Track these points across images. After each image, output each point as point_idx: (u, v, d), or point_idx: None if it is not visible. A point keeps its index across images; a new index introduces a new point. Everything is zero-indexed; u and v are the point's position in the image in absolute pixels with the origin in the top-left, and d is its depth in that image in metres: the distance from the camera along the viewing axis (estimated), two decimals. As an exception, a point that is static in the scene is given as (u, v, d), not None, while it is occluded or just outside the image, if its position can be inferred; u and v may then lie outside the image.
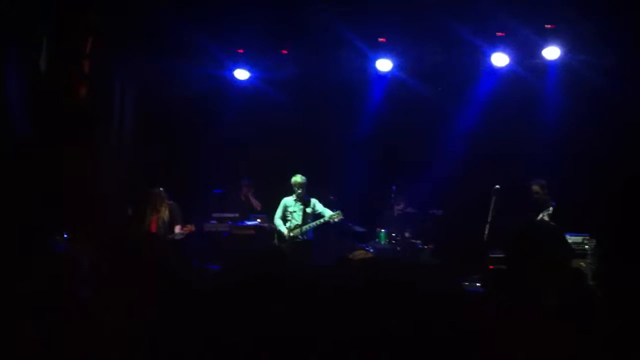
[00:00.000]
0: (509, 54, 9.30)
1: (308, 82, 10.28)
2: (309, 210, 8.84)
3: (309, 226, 8.77)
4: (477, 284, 7.10)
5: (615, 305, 3.42)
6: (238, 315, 3.46)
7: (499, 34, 9.21)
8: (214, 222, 9.65)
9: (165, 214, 8.96)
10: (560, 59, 9.07)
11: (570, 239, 6.96)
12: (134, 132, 10.16)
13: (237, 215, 9.71)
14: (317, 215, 8.82)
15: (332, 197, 9.09)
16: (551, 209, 7.42)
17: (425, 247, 8.77)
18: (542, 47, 9.09)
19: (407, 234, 8.98)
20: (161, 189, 9.06)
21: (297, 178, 8.84)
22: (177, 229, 8.77)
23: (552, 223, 6.85)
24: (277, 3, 8.97)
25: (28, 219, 7.90)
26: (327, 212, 8.74)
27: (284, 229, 8.85)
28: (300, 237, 8.77)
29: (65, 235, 8.44)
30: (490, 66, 9.46)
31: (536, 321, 3.33)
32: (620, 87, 8.50)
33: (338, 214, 8.65)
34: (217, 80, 10.48)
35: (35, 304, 3.57)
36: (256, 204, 10.17)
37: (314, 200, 8.90)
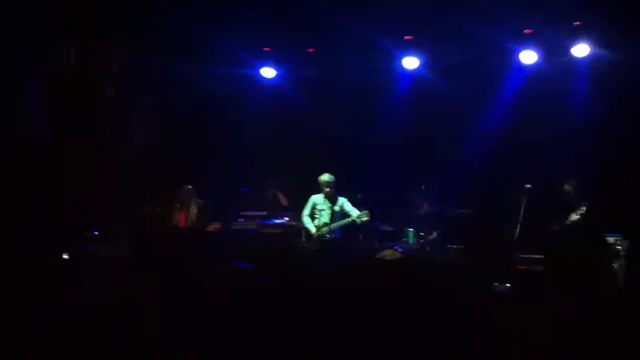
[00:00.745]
0: (538, 52, 9.23)
1: (332, 81, 10.30)
2: (337, 208, 8.85)
3: (337, 225, 8.78)
4: (507, 285, 7.05)
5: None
6: (259, 310, 3.51)
7: (527, 31, 9.16)
8: (242, 220, 9.72)
9: (193, 211, 9.09)
10: (590, 56, 8.98)
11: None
12: (158, 132, 10.26)
13: (265, 213, 9.76)
14: (345, 215, 8.82)
15: (359, 196, 9.08)
16: (584, 208, 7.32)
17: (454, 246, 8.72)
18: (570, 45, 9.01)
19: (434, 233, 8.94)
20: (190, 186, 9.18)
21: (325, 177, 8.87)
22: None
23: (585, 223, 6.79)
24: (300, 2, 9.00)
25: (41, 217, 8.03)
26: (355, 212, 8.73)
27: (312, 227, 8.87)
28: (327, 235, 8.79)
29: (95, 233, 8.58)
30: (519, 64, 9.40)
31: (565, 319, 3.32)
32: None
33: (365, 214, 8.62)
34: (242, 79, 10.54)
35: (39, 303, 3.63)
36: (283, 199, 10.20)
37: (342, 199, 8.90)
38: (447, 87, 9.79)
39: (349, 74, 10.09)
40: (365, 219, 8.63)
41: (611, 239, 7.00)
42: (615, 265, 6.81)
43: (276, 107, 10.61)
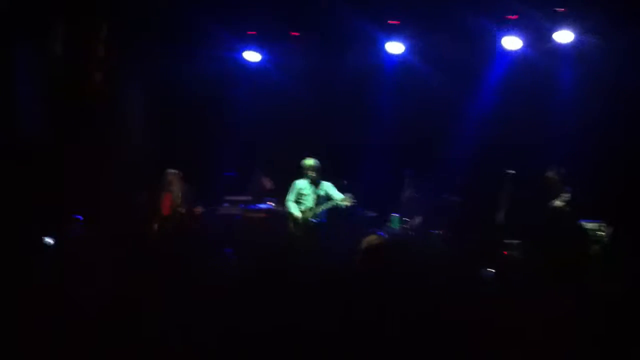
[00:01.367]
0: (522, 38, 9.26)
1: (320, 67, 10.27)
2: (321, 193, 8.82)
3: (321, 209, 8.76)
4: (490, 270, 7.10)
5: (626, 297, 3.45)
6: (251, 305, 3.50)
7: (510, 17, 9.17)
8: (226, 205, 9.69)
9: (178, 195, 9.06)
10: (574, 42, 9.02)
11: (586, 225, 6.97)
12: (146, 117, 10.21)
13: (249, 198, 9.74)
14: (330, 199, 8.82)
15: (344, 182, 9.06)
16: (568, 195, 7.39)
17: (438, 232, 8.78)
18: (554, 31, 9.05)
19: (418, 219, 8.99)
20: (176, 170, 9.14)
21: (309, 161, 8.80)
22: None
23: (567, 209, 6.85)
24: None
25: (35, 215, 7.97)
26: (338, 196, 8.72)
27: (297, 212, 8.85)
28: (313, 220, 8.76)
29: (80, 217, 8.51)
30: (503, 50, 9.42)
31: (548, 312, 3.35)
32: (635, 71, 8.46)
33: (348, 198, 8.60)
34: (229, 63, 10.48)
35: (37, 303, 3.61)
36: (268, 184, 10.17)
37: (326, 184, 8.85)
38: (432, 75, 9.80)
39: (335, 60, 10.08)
40: (347, 203, 8.61)
41: (595, 225, 7.08)
42: (598, 250, 6.88)
43: (261, 92, 10.57)
